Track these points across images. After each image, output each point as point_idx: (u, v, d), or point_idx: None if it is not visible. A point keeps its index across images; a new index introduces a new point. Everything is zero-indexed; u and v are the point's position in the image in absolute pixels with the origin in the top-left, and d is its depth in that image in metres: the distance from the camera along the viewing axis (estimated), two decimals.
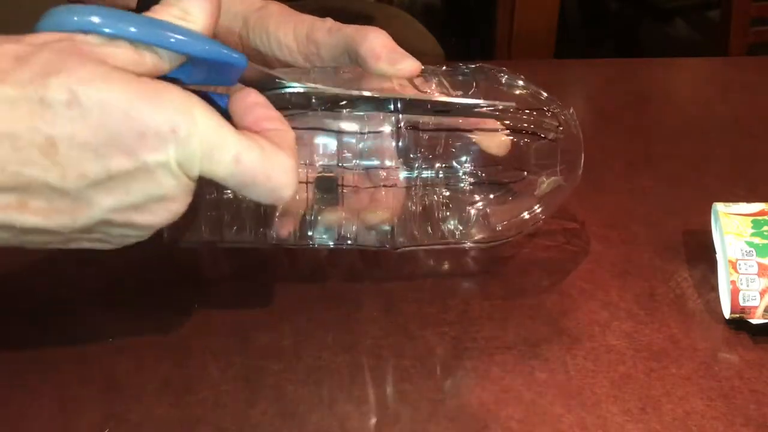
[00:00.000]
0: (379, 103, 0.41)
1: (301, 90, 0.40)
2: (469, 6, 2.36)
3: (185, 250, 0.47)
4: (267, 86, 0.39)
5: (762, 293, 0.42)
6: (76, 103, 0.31)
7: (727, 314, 0.44)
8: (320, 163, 0.42)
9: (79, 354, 0.42)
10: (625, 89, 0.74)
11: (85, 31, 0.32)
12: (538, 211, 0.45)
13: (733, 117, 0.69)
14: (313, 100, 0.41)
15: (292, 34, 0.46)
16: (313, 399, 0.40)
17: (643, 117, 0.69)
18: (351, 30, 0.44)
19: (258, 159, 0.33)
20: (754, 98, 0.72)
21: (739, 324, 0.44)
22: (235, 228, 0.43)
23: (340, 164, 0.42)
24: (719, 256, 0.47)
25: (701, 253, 0.49)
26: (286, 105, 0.39)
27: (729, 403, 0.39)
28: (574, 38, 2.13)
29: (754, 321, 0.43)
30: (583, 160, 0.45)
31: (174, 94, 0.32)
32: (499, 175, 0.44)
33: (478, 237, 0.46)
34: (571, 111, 0.45)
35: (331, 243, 0.44)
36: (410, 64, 0.43)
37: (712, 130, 0.67)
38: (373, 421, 0.39)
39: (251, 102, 0.36)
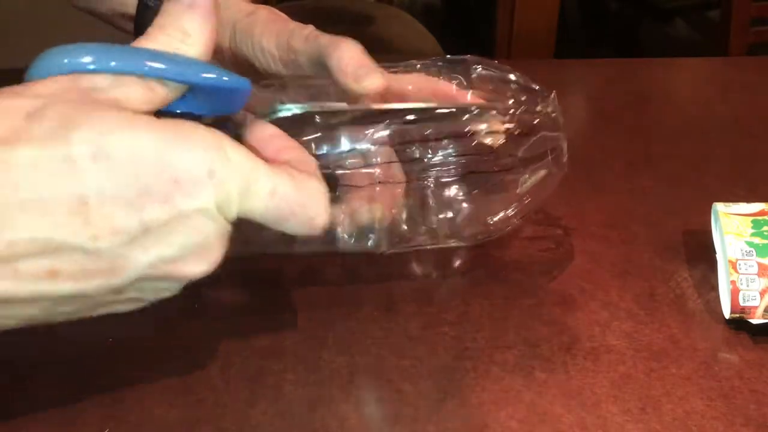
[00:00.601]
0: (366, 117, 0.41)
1: (300, 111, 0.40)
2: (469, 6, 2.36)
3: None
4: (266, 110, 0.39)
5: (762, 293, 0.42)
6: (102, 156, 0.29)
7: (727, 314, 0.44)
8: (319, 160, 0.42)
9: (79, 354, 0.42)
10: (625, 89, 0.74)
11: (83, 71, 0.31)
12: (527, 203, 0.45)
13: (733, 117, 0.69)
14: (317, 119, 0.40)
15: (274, 42, 0.46)
16: (313, 399, 0.40)
17: (643, 117, 0.69)
18: (325, 40, 0.43)
19: (292, 189, 0.32)
20: (754, 98, 0.72)
21: (739, 324, 0.44)
22: None
23: (338, 163, 0.42)
24: (719, 256, 0.47)
25: (701, 253, 0.49)
26: (287, 128, 0.39)
27: (729, 403, 0.39)
28: (574, 38, 2.13)
29: (754, 321, 0.43)
30: (566, 147, 0.44)
31: (201, 132, 0.31)
32: (488, 165, 0.43)
33: (468, 232, 0.46)
34: (552, 97, 0.44)
35: (314, 243, 0.44)
36: (374, 81, 0.42)
37: (712, 130, 0.67)
38: (373, 421, 0.39)
39: (268, 134, 0.36)
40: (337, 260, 0.49)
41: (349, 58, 0.42)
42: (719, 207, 0.46)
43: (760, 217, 0.45)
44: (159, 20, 0.33)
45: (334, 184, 0.42)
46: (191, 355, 0.42)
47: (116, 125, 0.29)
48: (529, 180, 0.44)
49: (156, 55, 0.32)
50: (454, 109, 0.43)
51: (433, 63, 0.46)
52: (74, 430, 0.38)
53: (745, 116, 0.69)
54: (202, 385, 0.40)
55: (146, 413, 0.39)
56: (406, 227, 0.44)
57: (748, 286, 0.42)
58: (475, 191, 0.44)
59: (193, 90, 0.34)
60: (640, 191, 0.57)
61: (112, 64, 0.31)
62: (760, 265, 0.42)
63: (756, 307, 0.42)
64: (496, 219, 0.45)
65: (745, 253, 0.43)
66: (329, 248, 0.44)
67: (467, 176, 0.43)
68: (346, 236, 0.44)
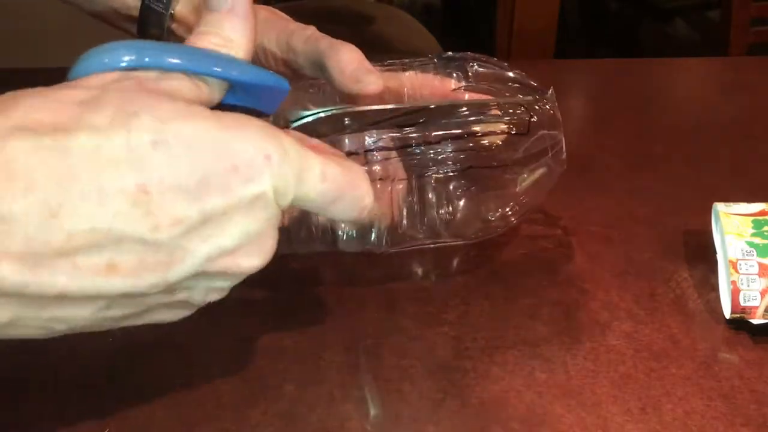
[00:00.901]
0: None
1: (325, 115, 0.40)
2: (469, 6, 2.36)
3: None
4: (293, 117, 0.39)
5: (762, 293, 0.42)
6: (162, 143, 0.28)
7: (727, 314, 0.44)
8: None
9: (79, 354, 0.42)
10: (625, 89, 0.74)
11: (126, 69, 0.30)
12: (526, 200, 0.45)
13: (733, 117, 0.69)
14: (347, 121, 0.41)
15: (275, 42, 0.46)
16: (313, 399, 0.40)
17: (643, 117, 0.69)
18: (325, 43, 0.44)
19: (340, 172, 0.33)
20: (754, 98, 0.72)
21: (740, 324, 0.44)
22: None
23: None
24: (719, 256, 0.47)
25: (701, 253, 0.49)
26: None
27: (729, 403, 0.39)
28: (574, 38, 2.13)
29: (754, 321, 0.43)
30: (564, 144, 0.44)
31: (255, 121, 0.31)
32: (487, 162, 0.43)
33: (468, 230, 0.46)
34: (550, 93, 0.45)
35: (312, 241, 0.44)
36: (373, 82, 0.43)
37: (712, 130, 0.67)
38: (373, 421, 0.39)
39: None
40: (337, 260, 0.49)
41: (348, 60, 0.42)
42: (719, 207, 0.46)
43: (760, 217, 0.44)
44: (199, 28, 0.34)
45: None
46: (191, 355, 0.42)
47: (173, 113, 0.29)
48: (528, 178, 0.44)
49: (197, 53, 0.32)
50: (464, 108, 0.43)
51: (431, 60, 0.46)
52: (74, 430, 0.38)
53: (745, 116, 0.69)
54: (202, 385, 0.40)
55: (146, 413, 0.39)
56: (406, 225, 0.45)
57: (748, 286, 0.42)
58: (475, 189, 0.44)
59: (233, 89, 0.34)
60: (640, 191, 0.57)
61: (151, 60, 0.31)
62: (760, 265, 0.42)
63: (756, 307, 0.42)
64: (495, 216, 0.45)
65: (745, 253, 0.43)
66: (330, 248, 0.44)
67: (467, 174, 0.43)
68: (346, 235, 0.44)
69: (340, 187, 0.33)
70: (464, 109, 0.43)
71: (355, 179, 0.33)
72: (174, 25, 0.50)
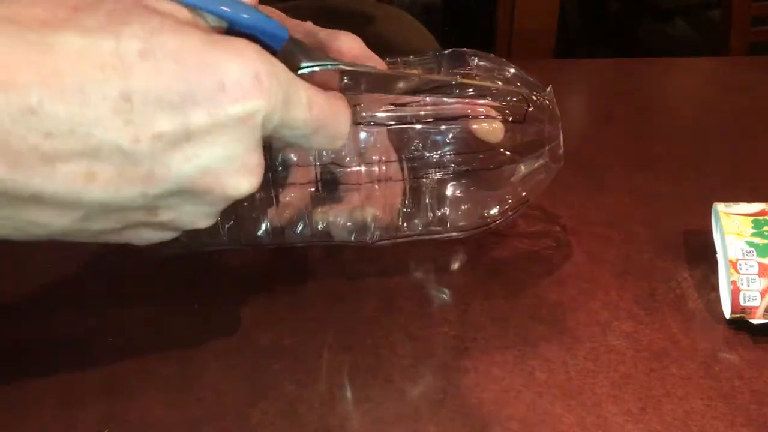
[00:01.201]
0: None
1: (319, 69, 0.39)
2: (469, 6, 2.36)
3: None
4: (294, 66, 0.38)
5: (763, 293, 0.42)
6: (150, 53, 0.28)
7: (727, 314, 0.44)
8: (322, 161, 0.42)
9: (79, 354, 0.42)
10: (625, 89, 0.74)
11: None
12: (523, 195, 0.45)
13: (733, 117, 0.69)
14: (345, 80, 0.40)
15: None
16: (313, 399, 0.39)
17: (643, 117, 0.69)
18: (324, 34, 0.44)
19: (325, 100, 0.33)
20: (754, 98, 0.72)
21: (740, 324, 0.44)
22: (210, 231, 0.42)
23: (341, 163, 0.42)
24: (720, 256, 0.47)
25: (701, 253, 0.49)
26: None
27: (729, 403, 0.39)
28: (574, 38, 2.13)
29: (754, 321, 0.43)
30: (562, 139, 0.44)
31: (246, 42, 0.30)
32: (485, 162, 0.43)
33: (465, 225, 0.46)
34: (548, 90, 0.45)
35: (307, 235, 0.44)
36: (376, 65, 0.42)
37: (712, 130, 0.67)
38: (373, 421, 0.39)
39: None
40: (337, 259, 0.49)
41: (349, 47, 0.42)
42: (719, 207, 0.46)
43: (760, 217, 0.44)
44: None
45: (337, 182, 0.43)
46: (191, 354, 0.42)
47: (165, 26, 0.29)
48: (524, 170, 0.44)
49: None
50: (461, 90, 0.43)
51: (431, 57, 0.46)
52: (74, 430, 0.38)
53: (745, 116, 0.69)
54: (202, 385, 0.40)
55: (146, 413, 0.39)
56: (403, 224, 0.45)
57: (748, 286, 0.42)
58: (473, 187, 0.44)
59: (230, 30, 0.33)
60: (640, 191, 0.57)
61: None
62: (760, 265, 0.42)
63: (756, 307, 0.42)
64: (492, 211, 0.46)
65: (745, 253, 0.43)
66: (325, 240, 0.45)
67: (464, 173, 0.43)
68: (339, 234, 0.44)
69: (324, 117, 0.33)
70: (462, 90, 0.43)
71: (337, 109, 0.33)
72: None
